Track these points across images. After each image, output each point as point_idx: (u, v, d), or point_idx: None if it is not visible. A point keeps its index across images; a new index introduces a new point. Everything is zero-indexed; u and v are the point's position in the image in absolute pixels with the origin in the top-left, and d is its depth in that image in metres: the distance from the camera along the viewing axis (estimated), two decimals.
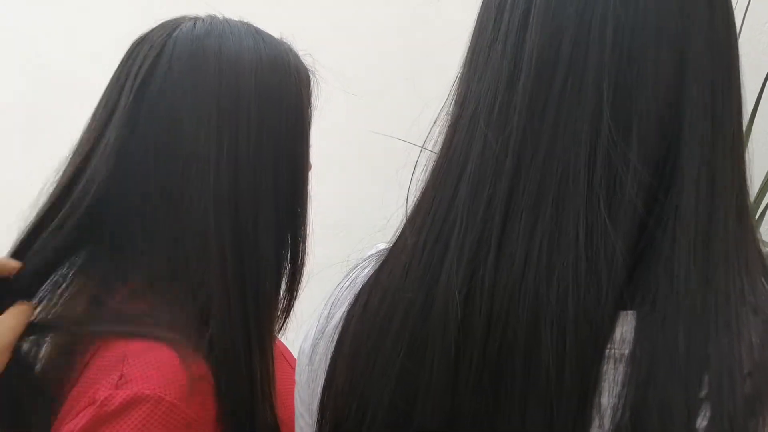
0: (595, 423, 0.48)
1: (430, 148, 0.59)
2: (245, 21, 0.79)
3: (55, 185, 0.72)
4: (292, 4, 1.70)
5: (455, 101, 0.57)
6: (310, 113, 0.80)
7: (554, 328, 0.49)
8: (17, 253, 0.70)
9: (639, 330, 0.48)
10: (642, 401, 0.46)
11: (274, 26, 0.81)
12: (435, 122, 0.59)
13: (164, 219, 0.71)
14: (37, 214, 0.71)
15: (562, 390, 0.48)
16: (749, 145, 0.84)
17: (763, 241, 0.52)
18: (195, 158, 0.71)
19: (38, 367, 0.71)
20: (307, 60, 0.81)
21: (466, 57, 0.57)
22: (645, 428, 0.46)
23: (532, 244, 0.50)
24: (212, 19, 0.76)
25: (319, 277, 0.86)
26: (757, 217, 1.31)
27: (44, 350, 0.72)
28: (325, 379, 0.60)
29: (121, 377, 0.65)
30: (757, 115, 1.29)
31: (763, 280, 0.50)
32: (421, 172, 0.58)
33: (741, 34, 0.55)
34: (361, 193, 1.67)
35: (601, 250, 0.48)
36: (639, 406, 0.46)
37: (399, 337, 0.54)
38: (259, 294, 0.74)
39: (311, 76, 0.81)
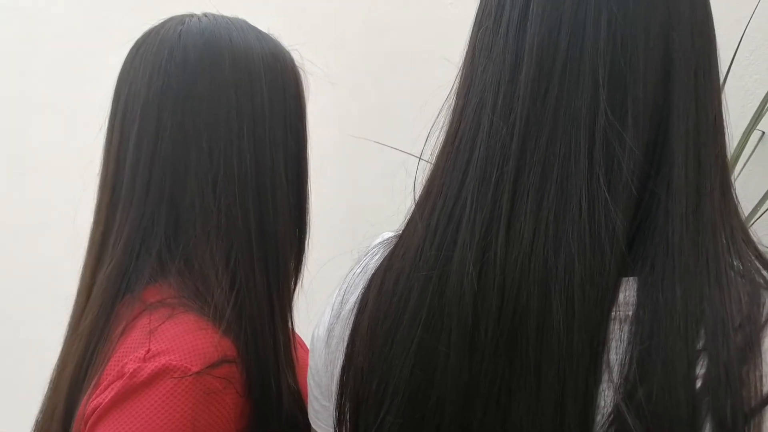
0: (605, 377, 0.53)
1: (433, 140, 0.63)
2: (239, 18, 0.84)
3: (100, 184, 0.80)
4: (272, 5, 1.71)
5: (458, 94, 0.62)
6: (305, 103, 0.86)
7: (563, 295, 0.53)
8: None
9: (641, 292, 0.53)
10: (647, 355, 0.51)
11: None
12: (439, 114, 0.63)
13: (193, 200, 0.76)
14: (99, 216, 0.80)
15: (572, 350, 0.53)
16: None
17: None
18: (217, 140, 0.76)
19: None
20: (295, 55, 0.86)
21: (467, 53, 0.62)
22: (650, 378, 0.51)
23: (539, 220, 0.55)
24: (213, 15, 0.82)
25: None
26: None
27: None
28: (344, 360, 0.63)
29: (148, 351, 0.68)
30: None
31: (744, 245, 0.56)
32: (427, 159, 0.63)
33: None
34: (353, 188, 1.68)
35: (603, 223, 0.53)
36: (644, 359, 0.51)
37: (416, 313, 0.57)
38: (279, 265, 0.80)
39: (301, 71, 0.87)
